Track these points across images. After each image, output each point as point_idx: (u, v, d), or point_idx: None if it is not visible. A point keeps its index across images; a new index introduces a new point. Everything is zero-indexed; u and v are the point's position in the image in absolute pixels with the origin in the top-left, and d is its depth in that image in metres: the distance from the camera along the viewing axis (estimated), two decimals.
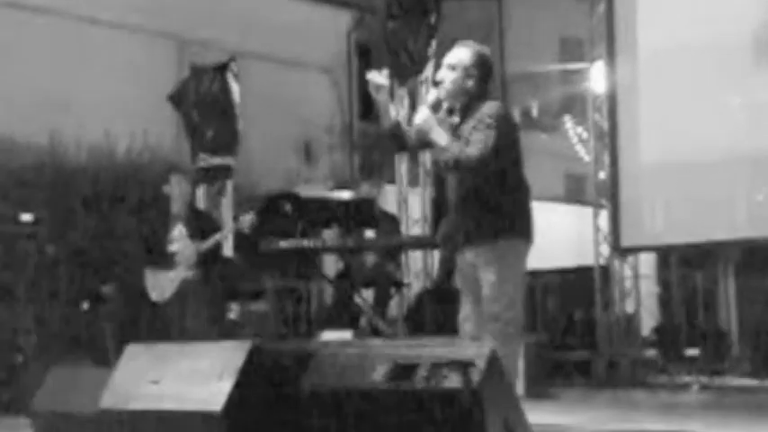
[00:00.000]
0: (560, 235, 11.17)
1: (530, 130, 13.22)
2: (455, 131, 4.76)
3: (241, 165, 10.01)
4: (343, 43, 13.88)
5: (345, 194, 9.53)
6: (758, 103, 8.58)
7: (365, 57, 13.20)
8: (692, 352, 9.88)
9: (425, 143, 4.88)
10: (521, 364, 6.12)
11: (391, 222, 9.43)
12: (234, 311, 9.15)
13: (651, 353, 10.26)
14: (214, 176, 9.77)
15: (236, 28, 11.79)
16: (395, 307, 9.79)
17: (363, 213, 8.78)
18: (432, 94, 4.91)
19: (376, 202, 9.21)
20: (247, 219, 7.52)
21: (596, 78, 10.25)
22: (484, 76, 4.82)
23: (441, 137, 4.71)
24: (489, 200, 4.71)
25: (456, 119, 4.84)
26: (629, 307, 10.03)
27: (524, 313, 4.81)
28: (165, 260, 7.53)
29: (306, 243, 8.00)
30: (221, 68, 9.78)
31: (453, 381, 3.57)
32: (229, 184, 9.80)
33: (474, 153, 4.57)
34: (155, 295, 7.54)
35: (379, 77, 4.94)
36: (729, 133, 8.64)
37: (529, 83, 14.65)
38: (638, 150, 9.40)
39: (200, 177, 9.59)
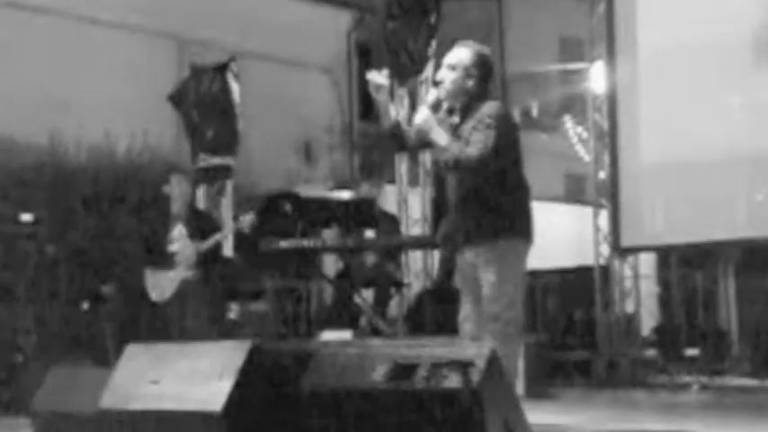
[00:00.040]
0: (560, 235, 11.17)
1: (530, 130, 13.21)
2: (455, 131, 4.76)
3: (241, 165, 10.01)
4: (343, 43, 13.88)
5: (345, 194, 9.54)
6: (758, 103, 8.58)
7: (365, 57, 13.20)
8: (692, 352, 9.88)
9: (425, 143, 4.88)
10: (521, 364, 6.13)
11: (391, 222, 9.44)
12: (234, 311, 9.15)
13: (651, 353, 10.26)
14: (214, 176, 9.77)
15: (236, 28, 11.79)
16: (395, 307, 9.80)
17: (363, 213, 8.78)
18: (432, 94, 4.91)
19: (376, 202, 9.22)
20: (247, 219, 7.52)
21: (596, 78, 10.25)
22: (484, 76, 4.82)
23: (441, 137, 4.71)
24: (489, 200, 4.71)
25: (456, 119, 4.84)
26: (629, 307, 10.03)
27: (524, 313, 4.81)
28: (165, 260, 7.53)
29: (306, 243, 8.01)
30: (221, 68, 9.78)
31: (453, 381, 3.57)
32: (229, 184, 9.80)
33: (474, 153, 4.57)
34: (155, 295, 7.54)
35: (379, 77, 4.94)
36: (729, 133, 8.64)
37: (529, 83, 14.65)
38: (638, 150, 9.40)
39: (200, 177, 9.59)
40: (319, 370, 4.00)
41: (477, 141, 4.59)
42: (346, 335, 7.93)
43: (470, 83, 4.79)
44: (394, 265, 9.31)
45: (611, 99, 9.65)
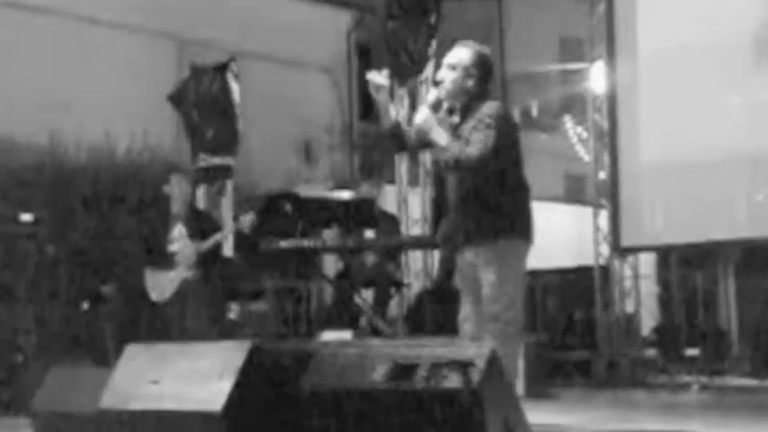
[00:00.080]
0: (560, 235, 11.17)
1: (530, 130, 13.21)
2: (455, 131, 4.76)
3: (241, 165, 10.01)
4: (343, 43, 13.88)
5: (345, 194, 9.54)
6: (758, 103, 8.58)
7: (365, 57, 13.19)
8: (692, 352, 9.88)
9: (425, 143, 4.88)
10: (521, 364, 6.13)
11: (391, 222, 9.44)
12: (234, 311, 9.15)
13: (651, 353, 10.26)
14: (214, 176, 9.77)
15: (236, 28, 11.79)
16: (395, 307, 9.80)
17: (363, 213, 8.78)
18: (432, 94, 4.91)
19: (376, 202, 9.21)
20: (247, 219, 7.52)
21: (596, 78, 10.24)
22: (484, 76, 4.83)
23: (441, 137, 4.71)
24: (489, 200, 4.72)
25: (456, 119, 4.85)
26: (629, 307, 10.03)
27: (524, 313, 4.81)
28: (165, 260, 7.53)
29: (306, 243, 8.00)
30: (221, 68, 9.78)
31: (453, 381, 3.57)
32: (229, 184, 9.80)
33: (474, 153, 4.57)
34: (155, 295, 7.54)
35: (379, 77, 4.94)
36: (729, 133, 8.63)
37: (529, 83, 14.65)
38: (638, 150, 9.39)
39: (200, 177, 9.59)
40: (319, 370, 4.00)
41: (477, 141, 4.59)
42: (346, 335, 7.93)
43: (470, 83, 4.79)
44: (394, 265, 9.31)
45: (611, 99, 9.65)
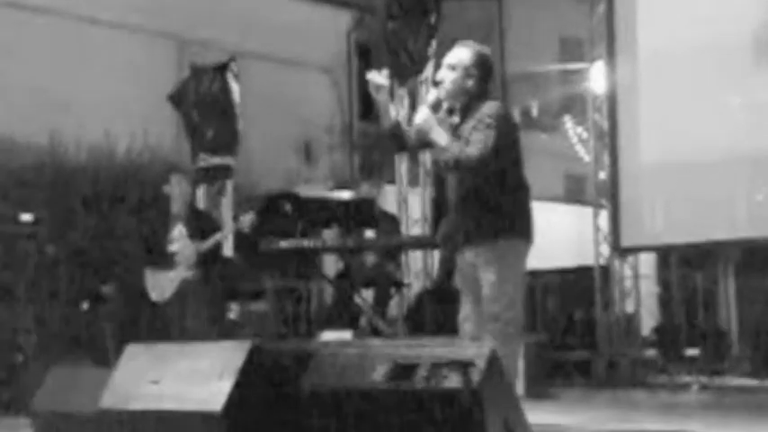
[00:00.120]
0: (560, 235, 11.17)
1: (530, 130, 13.20)
2: (455, 131, 4.76)
3: (241, 165, 10.01)
4: (343, 43, 13.88)
5: (345, 194, 9.54)
6: (758, 103, 8.58)
7: (365, 57, 13.20)
8: (692, 352, 9.88)
9: (425, 143, 4.88)
10: (521, 364, 6.13)
11: (391, 222, 9.44)
12: (234, 311, 9.15)
13: (651, 353, 10.26)
14: (214, 176, 9.77)
15: (236, 28, 11.79)
16: (395, 307, 9.80)
17: (363, 213, 8.78)
18: (432, 94, 4.91)
19: (376, 202, 9.21)
20: (247, 219, 7.52)
21: (596, 78, 10.25)
22: (484, 76, 4.82)
23: (441, 137, 4.71)
24: (489, 200, 4.71)
25: (456, 119, 4.85)
26: (629, 307, 10.03)
27: (524, 313, 4.81)
28: (165, 260, 7.53)
29: (306, 243, 8.00)
30: (221, 68, 9.78)
31: (453, 381, 3.57)
32: (229, 184, 9.81)
33: (474, 153, 4.57)
34: (155, 295, 7.54)
35: (379, 77, 4.93)
36: (729, 133, 8.64)
37: (529, 83, 14.64)
38: (638, 150, 9.40)
39: (200, 177, 9.59)
40: (319, 370, 4.00)
41: (477, 141, 4.59)
42: (346, 335, 7.93)
43: (470, 83, 4.79)
44: (394, 265, 9.31)
45: (611, 99, 9.65)
